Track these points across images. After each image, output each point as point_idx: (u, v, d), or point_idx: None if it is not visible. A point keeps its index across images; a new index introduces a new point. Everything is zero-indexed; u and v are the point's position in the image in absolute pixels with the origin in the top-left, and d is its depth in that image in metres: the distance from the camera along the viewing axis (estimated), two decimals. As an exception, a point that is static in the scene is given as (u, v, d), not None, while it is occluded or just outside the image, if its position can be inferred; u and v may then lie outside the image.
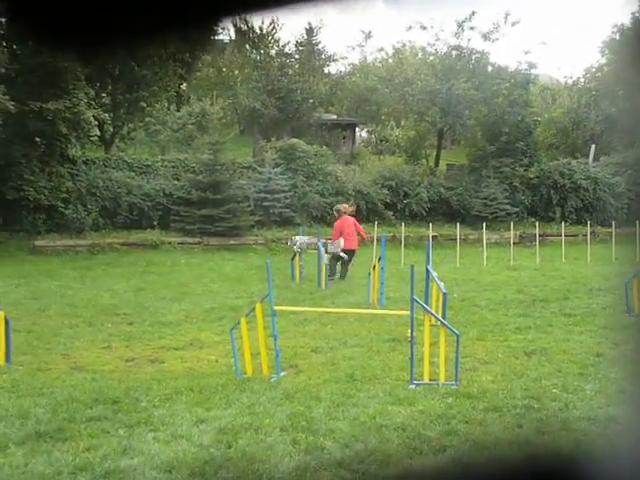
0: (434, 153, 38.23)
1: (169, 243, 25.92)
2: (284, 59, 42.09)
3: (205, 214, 26.78)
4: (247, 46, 43.79)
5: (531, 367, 9.55)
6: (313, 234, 20.90)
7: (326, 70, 45.44)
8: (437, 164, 37.43)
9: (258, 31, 43.22)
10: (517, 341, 11.34)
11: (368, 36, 44.65)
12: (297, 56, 42.91)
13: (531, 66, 35.06)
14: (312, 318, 13.35)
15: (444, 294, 11.30)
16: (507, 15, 35.10)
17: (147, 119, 33.44)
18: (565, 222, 29.72)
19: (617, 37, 41.25)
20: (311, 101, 40.38)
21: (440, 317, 9.63)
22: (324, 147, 33.13)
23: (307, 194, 29.25)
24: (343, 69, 47.44)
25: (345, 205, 20.89)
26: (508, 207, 31.54)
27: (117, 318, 14.11)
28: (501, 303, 15.24)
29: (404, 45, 48.56)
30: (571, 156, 36.70)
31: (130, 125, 32.33)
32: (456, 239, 25.45)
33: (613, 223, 27.88)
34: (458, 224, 26.95)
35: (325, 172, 30.40)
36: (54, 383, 9.01)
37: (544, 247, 27.00)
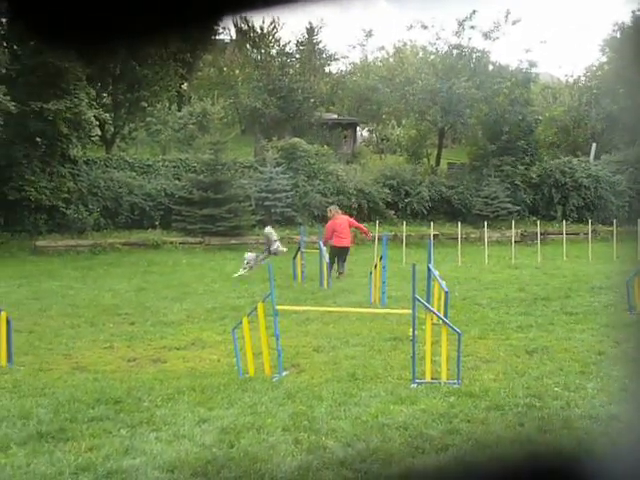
0: (435, 152, 38.24)
1: (170, 243, 25.93)
2: (285, 58, 42.12)
3: (206, 214, 26.79)
4: (248, 46, 43.84)
5: (533, 365, 9.54)
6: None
7: (327, 69, 45.50)
8: (438, 163, 37.44)
9: (259, 31, 43.29)
10: (519, 339, 11.34)
11: (369, 35, 44.69)
12: (298, 55, 42.93)
13: (532, 65, 35.10)
14: (314, 317, 13.35)
15: (446, 293, 11.31)
16: (508, 14, 35.21)
17: (148, 119, 33.49)
18: (566, 220, 29.74)
19: (618, 35, 41.28)
20: (312, 100, 40.39)
21: (442, 316, 9.62)
22: (325, 146, 33.15)
23: (308, 193, 29.26)
24: (344, 68, 47.52)
25: (333, 207, 20.86)
26: (509, 206, 31.53)
27: (119, 318, 14.11)
28: (502, 302, 15.23)
29: (405, 44, 48.67)
30: (572, 154, 36.74)
31: (131, 125, 32.36)
32: (457, 238, 25.45)
33: (614, 221, 27.87)
34: (459, 223, 26.97)
35: (326, 171, 30.41)
36: (56, 383, 9.01)
37: (545, 245, 27.02)
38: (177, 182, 28.41)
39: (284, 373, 9.21)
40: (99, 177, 27.18)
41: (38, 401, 7.93)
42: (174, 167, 29.54)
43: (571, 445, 6.35)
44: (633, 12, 38.84)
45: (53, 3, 1.55)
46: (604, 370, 9.08)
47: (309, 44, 42.72)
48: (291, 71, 41.15)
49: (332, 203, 27.64)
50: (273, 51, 43.10)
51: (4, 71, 22.91)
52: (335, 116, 43.97)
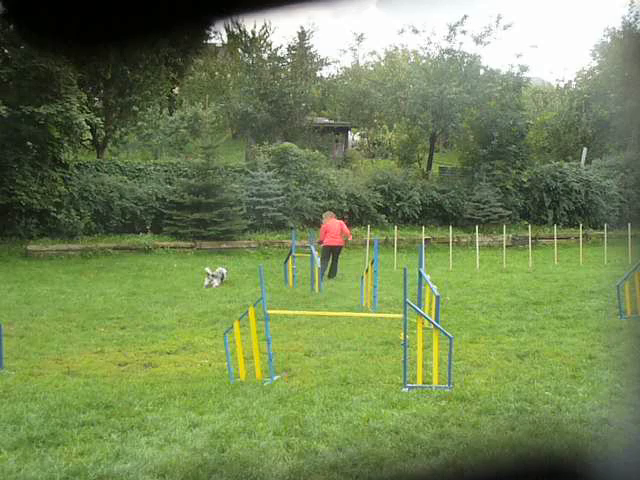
0: (426, 156, 38.26)
1: (162, 247, 25.89)
2: (276, 63, 42.11)
3: (198, 218, 26.75)
4: (239, 50, 43.83)
5: (524, 370, 9.56)
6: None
7: (318, 74, 45.56)
8: (430, 167, 37.46)
9: (250, 35, 43.27)
10: (510, 344, 11.36)
11: (360, 39, 44.77)
12: (289, 60, 42.94)
13: (523, 69, 35.15)
14: (305, 322, 13.35)
15: (437, 297, 11.32)
16: (499, 19, 35.25)
17: (139, 123, 33.42)
18: (557, 225, 29.85)
19: (608, 40, 41.48)
20: (303, 105, 40.41)
21: (433, 320, 9.65)
22: (316, 151, 33.12)
23: (300, 198, 29.24)
24: (335, 73, 47.62)
25: (328, 212, 21.46)
26: (501, 210, 31.57)
27: (110, 322, 14.09)
28: (494, 306, 15.27)
29: (396, 49, 48.75)
30: (563, 159, 36.82)
31: (122, 129, 32.27)
32: (449, 242, 25.49)
33: (605, 226, 27.97)
34: (451, 227, 27.03)
35: (318, 176, 30.39)
36: (47, 388, 8.99)
37: (537, 250, 27.09)
38: (168, 186, 28.36)
39: (275, 377, 9.21)
40: (90, 181, 27.10)
41: (29, 406, 7.92)
42: (165, 171, 29.49)
43: (562, 449, 6.36)
44: (623, 18, 39.17)
45: (42, 6, 1.55)
46: (595, 374, 9.10)
47: (301, 48, 42.75)
48: (282, 75, 41.16)
49: (323, 207, 27.85)
50: (265, 55, 43.10)
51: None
52: (326, 120, 44.02)
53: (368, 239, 22.95)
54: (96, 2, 1.57)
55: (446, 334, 8.81)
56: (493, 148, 32.95)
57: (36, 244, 24.84)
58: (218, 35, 42.13)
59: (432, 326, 9.13)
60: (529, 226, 28.29)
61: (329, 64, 45.76)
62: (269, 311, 9.67)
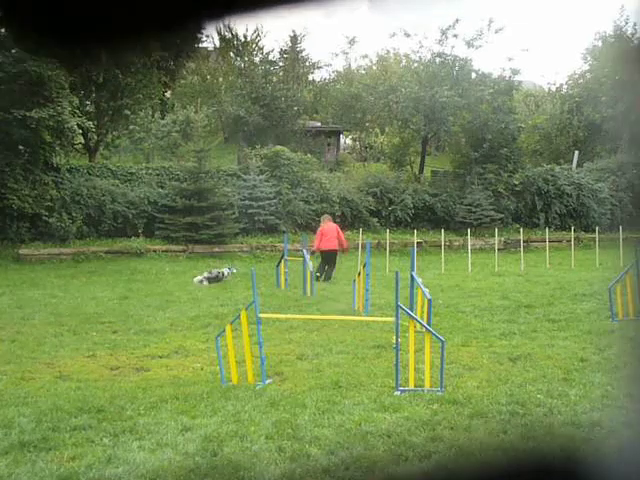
0: (418, 160, 38.30)
1: (154, 251, 25.85)
2: (268, 66, 42.14)
3: (190, 222, 26.74)
4: (231, 54, 43.86)
5: (516, 373, 9.57)
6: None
7: (310, 77, 45.60)
8: (422, 171, 37.50)
9: (242, 39, 43.31)
10: (502, 347, 11.37)
11: (352, 42, 44.84)
12: (281, 63, 43.00)
13: (515, 73, 35.29)
14: (297, 325, 13.35)
15: (429, 300, 11.34)
16: (491, 22, 35.35)
17: (131, 127, 33.38)
18: (549, 228, 29.90)
19: (599, 44, 41.62)
20: (295, 108, 40.42)
21: (425, 323, 9.65)
22: (308, 154, 33.13)
23: (292, 201, 29.24)
24: (327, 76, 47.65)
25: (326, 216, 21.45)
26: (492, 213, 31.63)
27: (102, 326, 14.04)
28: (486, 309, 15.28)
29: (388, 52, 48.85)
30: (555, 162, 36.90)
31: (114, 133, 32.25)
32: (441, 245, 25.53)
33: (597, 229, 28.05)
34: (443, 230, 27.04)
35: (310, 179, 30.40)
36: (38, 392, 8.96)
37: (528, 253, 27.14)
38: (160, 190, 28.33)
39: (267, 381, 9.20)
40: (82, 185, 27.05)
41: (20, 410, 7.89)
42: (157, 175, 29.46)
43: (554, 452, 6.36)
44: (614, 22, 39.31)
45: (32, 10, 1.55)
46: (587, 377, 9.12)
47: (292, 52, 42.81)
48: (274, 79, 41.19)
49: (315, 211, 27.90)
50: (256, 59, 43.15)
51: (-14, 79, 22.81)
52: (318, 124, 44.01)
53: (360, 242, 22.96)
54: (88, 5, 1.56)
55: (438, 337, 8.82)
56: (485, 151, 33.01)
57: (28, 248, 24.79)
58: (210, 39, 42.21)
59: (424, 329, 9.13)
60: (521, 229, 28.34)
61: (321, 67, 45.93)
62: (261, 315, 9.67)
